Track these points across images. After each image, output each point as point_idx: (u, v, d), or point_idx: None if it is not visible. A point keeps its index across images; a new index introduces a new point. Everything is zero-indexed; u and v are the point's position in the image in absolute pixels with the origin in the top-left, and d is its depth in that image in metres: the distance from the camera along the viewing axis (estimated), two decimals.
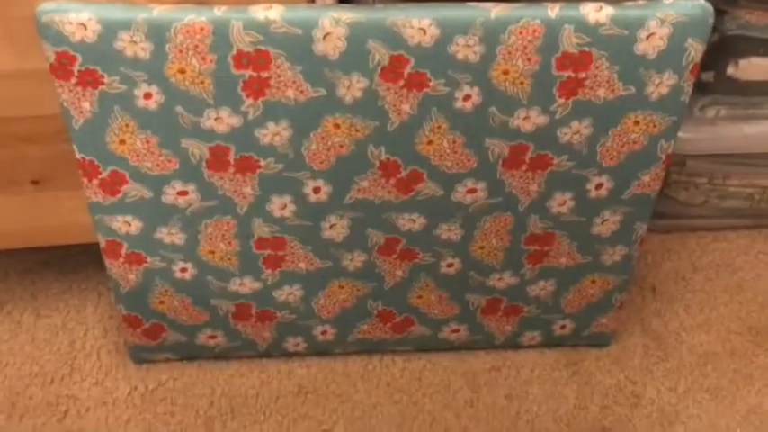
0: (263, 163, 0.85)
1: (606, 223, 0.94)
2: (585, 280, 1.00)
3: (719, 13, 0.96)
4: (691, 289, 1.23)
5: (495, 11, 0.76)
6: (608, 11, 0.76)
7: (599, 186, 0.89)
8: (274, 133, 0.83)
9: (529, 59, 0.78)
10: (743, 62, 1.01)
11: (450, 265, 0.97)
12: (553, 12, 0.76)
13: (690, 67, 0.80)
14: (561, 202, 0.90)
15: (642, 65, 0.79)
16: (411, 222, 0.92)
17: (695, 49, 0.78)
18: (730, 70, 1.02)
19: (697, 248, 1.29)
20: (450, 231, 0.93)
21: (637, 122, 0.84)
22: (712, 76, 1.04)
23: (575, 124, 0.83)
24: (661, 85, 0.80)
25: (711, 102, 1.07)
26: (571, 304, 1.03)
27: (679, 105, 0.83)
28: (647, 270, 1.26)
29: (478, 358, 1.13)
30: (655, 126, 0.84)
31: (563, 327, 1.07)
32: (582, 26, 0.76)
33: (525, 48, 0.77)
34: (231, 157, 0.85)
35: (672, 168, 1.17)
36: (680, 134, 1.10)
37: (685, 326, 1.18)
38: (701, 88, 1.06)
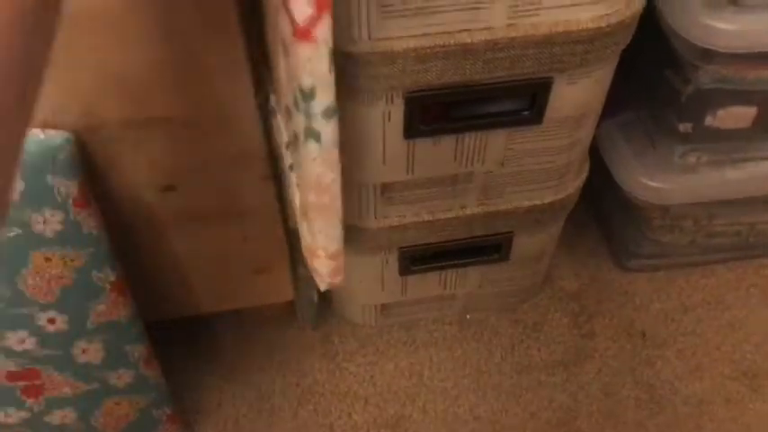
0: None
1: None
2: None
3: (693, 68, 0.91)
4: (682, 331, 1.19)
5: None
6: None
7: None
8: None
9: None
10: (721, 112, 0.95)
11: None
12: None
13: None
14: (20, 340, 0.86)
15: None
16: None
17: None
18: (708, 121, 0.96)
19: (686, 286, 1.24)
20: None
21: None
22: (690, 128, 0.98)
23: None
24: None
25: (691, 149, 1.02)
26: (108, 426, 0.98)
27: None
28: (635, 314, 1.21)
29: None
30: None
31: None
32: None
33: None
34: None
35: (654, 214, 1.12)
36: (660, 185, 1.06)
37: (678, 374, 1.15)
38: (679, 138, 1.01)
